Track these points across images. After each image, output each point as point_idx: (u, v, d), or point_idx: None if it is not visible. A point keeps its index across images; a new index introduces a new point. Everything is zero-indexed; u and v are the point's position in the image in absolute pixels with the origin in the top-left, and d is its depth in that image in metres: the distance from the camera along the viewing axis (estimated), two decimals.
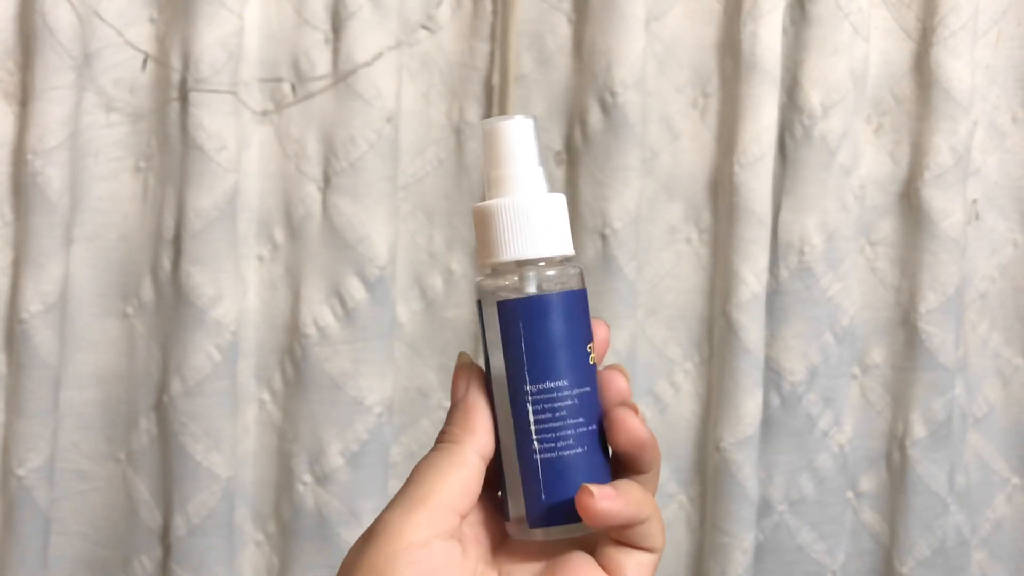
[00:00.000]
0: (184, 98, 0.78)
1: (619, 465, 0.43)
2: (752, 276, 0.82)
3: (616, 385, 0.43)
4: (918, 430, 0.85)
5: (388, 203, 0.80)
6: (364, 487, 0.79)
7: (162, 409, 0.79)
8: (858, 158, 0.85)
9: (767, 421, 0.84)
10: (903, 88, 0.86)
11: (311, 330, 0.80)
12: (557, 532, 0.41)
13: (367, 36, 0.79)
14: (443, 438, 0.42)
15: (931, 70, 0.84)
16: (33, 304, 0.77)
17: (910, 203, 0.86)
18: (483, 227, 0.42)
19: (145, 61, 0.80)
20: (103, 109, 0.80)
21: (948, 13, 0.83)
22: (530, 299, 0.41)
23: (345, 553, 0.40)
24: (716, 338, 0.84)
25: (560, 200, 0.42)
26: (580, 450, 0.41)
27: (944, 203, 0.84)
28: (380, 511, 0.41)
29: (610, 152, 0.80)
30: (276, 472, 0.82)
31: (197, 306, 0.77)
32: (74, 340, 0.80)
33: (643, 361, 0.84)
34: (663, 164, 0.84)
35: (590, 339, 0.42)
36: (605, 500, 0.40)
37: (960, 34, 0.83)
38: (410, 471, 0.41)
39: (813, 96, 0.82)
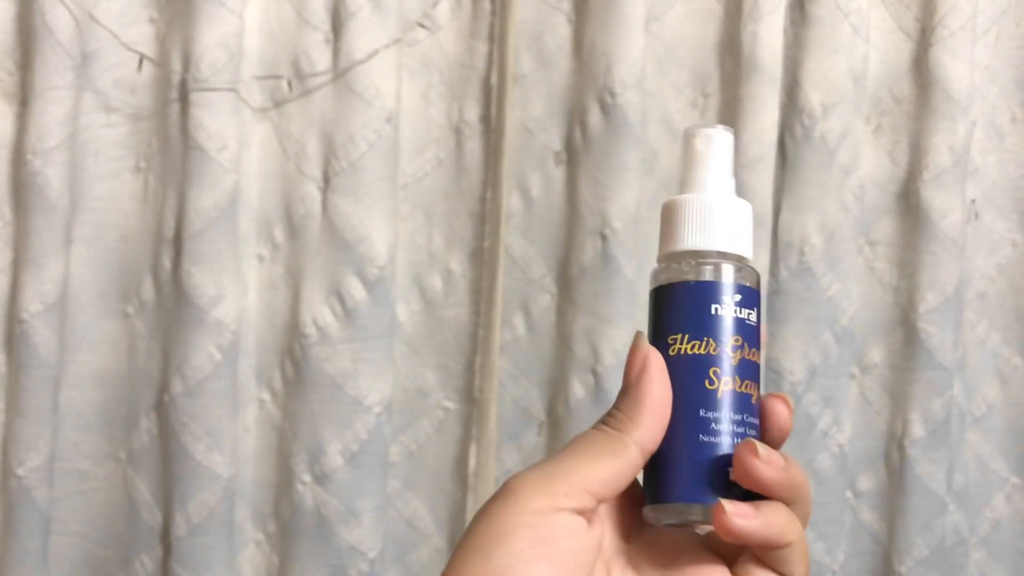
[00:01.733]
0: (184, 98, 0.78)
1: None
2: None
3: (778, 415, 0.42)
4: (917, 430, 0.85)
5: (388, 203, 0.80)
6: (363, 486, 0.79)
7: (162, 409, 0.80)
8: (857, 158, 0.85)
9: None
10: (902, 88, 0.86)
11: (311, 330, 0.80)
12: (699, 511, 0.40)
13: (367, 36, 0.79)
14: (608, 422, 0.40)
15: (930, 70, 0.84)
16: (33, 304, 0.77)
17: (909, 203, 0.86)
18: (674, 219, 0.44)
19: (141, 62, 0.80)
20: (103, 109, 0.80)
21: (947, 13, 0.83)
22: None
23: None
24: None
25: (746, 207, 0.44)
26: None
27: (943, 203, 0.84)
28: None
29: (610, 152, 0.80)
30: (276, 472, 0.82)
31: (197, 306, 0.77)
32: (74, 340, 0.80)
33: None
34: (663, 164, 0.84)
35: (759, 342, 0.43)
36: (739, 518, 0.39)
37: (959, 34, 0.83)
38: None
39: (813, 96, 0.82)
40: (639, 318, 0.84)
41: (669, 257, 0.43)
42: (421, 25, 0.82)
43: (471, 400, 0.83)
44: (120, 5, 0.79)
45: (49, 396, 0.78)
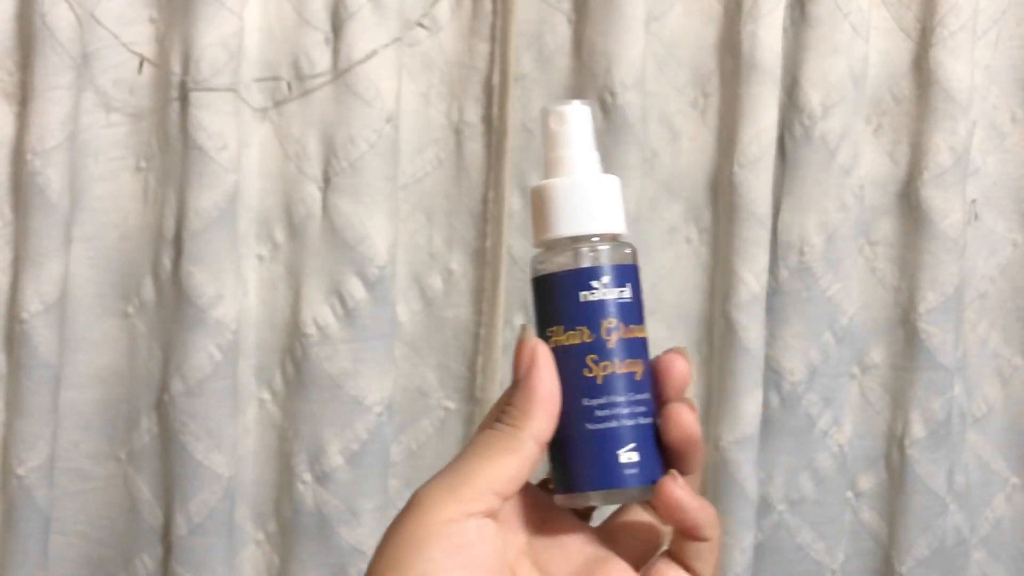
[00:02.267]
0: (184, 98, 0.78)
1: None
2: (752, 276, 0.82)
3: (677, 369, 0.43)
4: (917, 430, 0.85)
5: (388, 203, 0.80)
6: (364, 486, 0.79)
7: (163, 408, 0.80)
8: (858, 158, 0.85)
9: (767, 421, 0.84)
10: (902, 88, 0.86)
11: (311, 330, 0.80)
12: (598, 497, 0.42)
13: (367, 36, 0.79)
14: (502, 418, 0.41)
15: (930, 70, 0.84)
16: (33, 304, 0.77)
17: (909, 203, 0.86)
18: (541, 206, 0.43)
19: (141, 64, 0.80)
20: (103, 109, 0.80)
21: (947, 13, 0.83)
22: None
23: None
24: (716, 338, 0.84)
25: (615, 181, 0.44)
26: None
27: (943, 203, 0.84)
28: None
29: (610, 152, 0.80)
30: (276, 471, 0.82)
31: (197, 306, 0.77)
32: (74, 340, 0.80)
33: None
34: (663, 164, 0.84)
35: (644, 315, 0.43)
36: (682, 491, 0.40)
37: (959, 34, 0.83)
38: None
39: (813, 96, 0.82)
40: None
41: (539, 246, 0.43)
42: (421, 25, 0.82)
43: (472, 400, 0.83)
44: (120, 5, 0.79)
45: (49, 396, 0.78)
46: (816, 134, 0.82)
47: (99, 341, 0.81)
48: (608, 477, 0.41)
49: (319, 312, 0.80)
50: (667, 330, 0.85)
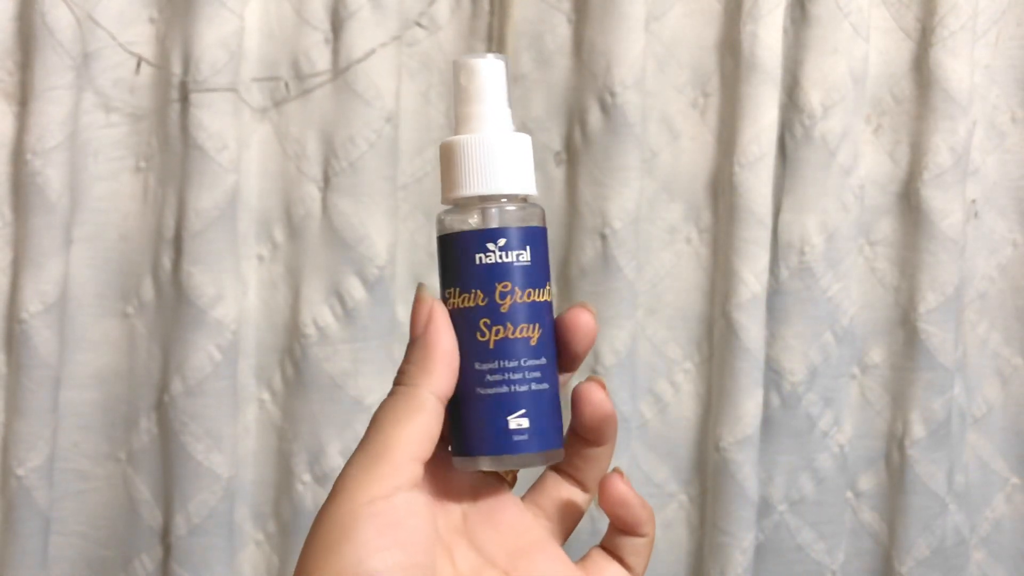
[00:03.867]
0: (184, 98, 0.78)
1: (579, 437, 0.43)
2: (752, 276, 0.82)
3: (582, 323, 0.42)
4: (917, 430, 0.85)
5: (388, 203, 0.80)
6: None
7: (162, 409, 0.80)
8: (858, 158, 0.85)
9: (767, 421, 0.84)
10: (903, 88, 0.86)
11: (311, 330, 0.80)
12: (488, 462, 0.41)
13: (367, 36, 0.79)
14: (400, 379, 0.41)
15: (930, 70, 0.84)
16: (33, 304, 0.77)
17: (909, 203, 0.86)
18: (448, 162, 0.42)
19: (139, 64, 0.80)
20: (102, 109, 0.80)
21: (947, 13, 0.83)
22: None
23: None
24: (716, 338, 0.84)
25: (525, 140, 0.42)
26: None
27: (943, 203, 0.84)
28: None
29: (610, 152, 0.80)
30: (276, 472, 0.82)
31: (197, 306, 0.77)
32: (74, 340, 0.80)
33: (643, 361, 0.84)
34: (663, 164, 0.84)
35: (549, 278, 0.42)
36: (627, 487, 0.41)
37: (959, 34, 0.83)
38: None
39: (813, 96, 0.82)
40: (639, 318, 0.84)
41: (445, 203, 0.43)
42: (420, 25, 0.82)
43: None
44: (120, 5, 0.79)
45: (49, 396, 0.78)
46: (816, 134, 0.82)
47: (99, 341, 0.81)
48: (497, 442, 0.41)
49: (319, 312, 0.80)
50: (667, 330, 0.85)
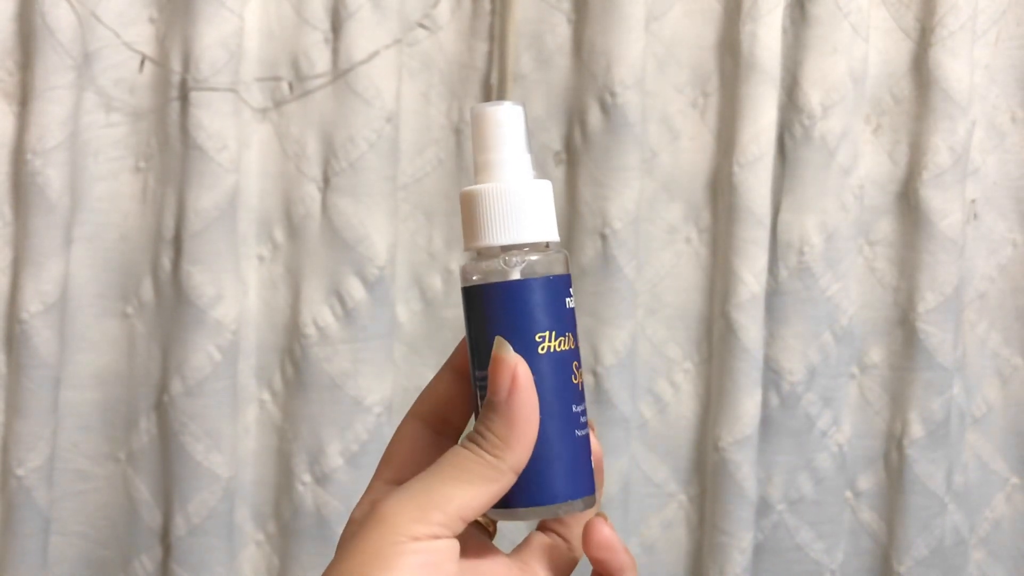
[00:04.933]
0: (184, 98, 0.78)
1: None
2: (751, 276, 0.82)
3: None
4: (916, 430, 0.85)
5: (388, 203, 0.80)
6: (364, 487, 0.79)
7: (162, 409, 0.80)
8: (857, 158, 0.85)
9: (766, 421, 0.84)
10: (902, 88, 0.86)
11: (311, 330, 0.80)
12: (580, 504, 0.41)
13: (367, 36, 0.79)
14: (482, 444, 0.39)
15: (930, 70, 0.84)
16: (33, 304, 0.77)
17: (908, 203, 0.86)
18: (469, 212, 0.42)
19: (143, 63, 0.80)
20: (103, 109, 0.80)
21: (947, 13, 0.83)
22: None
23: None
24: (715, 338, 0.84)
25: (546, 186, 0.42)
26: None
27: (942, 203, 0.84)
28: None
29: (610, 152, 0.80)
30: (276, 472, 0.82)
31: (197, 306, 0.77)
32: (74, 340, 0.80)
33: (643, 361, 0.85)
34: (663, 164, 0.84)
35: (575, 325, 0.42)
36: (612, 532, 0.41)
37: (959, 34, 0.83)
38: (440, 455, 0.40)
39: (812, 96, 0.82)
40: (639, 318, 0.84)
41: (478, 253, 0.42)
42: (421, 25, 0.82)
43: None
44: (120, 5, 0.79)
45: (49, 396, 0.78)
46: (816, 134, 0.82)
47: (99, 341, 0.81)
48: (588, 483, 0.41)
49: (319, 312, 0.80)
50: (667, 330, 0.85)
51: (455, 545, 0.38)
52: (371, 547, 0.37)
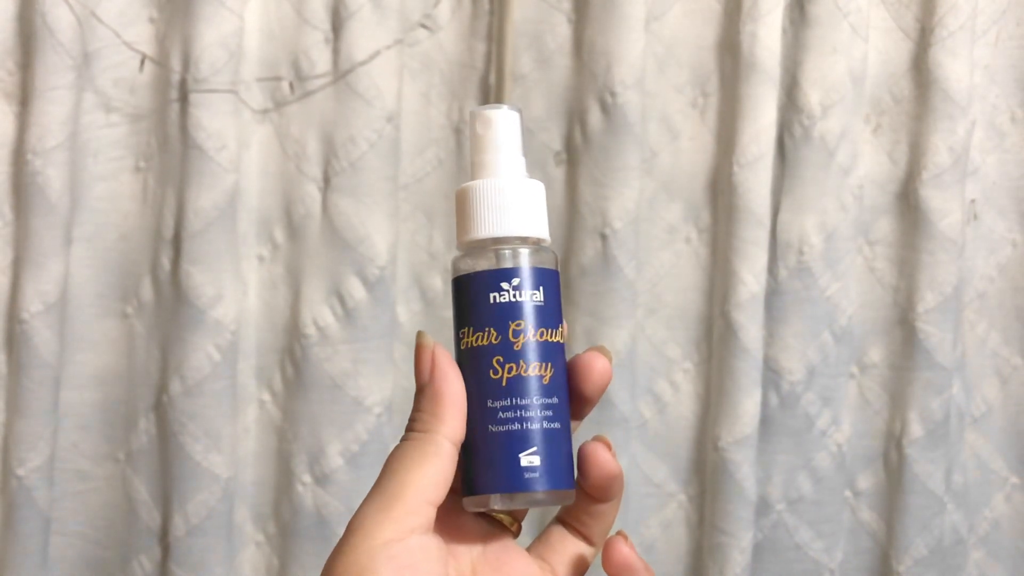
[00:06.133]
0: (184, 98, 0.78)
1: (585, 494, 0.44)
2: (751, 276, 0.82)
3: (597, 368, 0.43)
4: (915, 429, 0.85)
5: (388, 203, 0.80)
6: (364, 487, 0.78)
7: (161, 409, 0.80)
8: (857, 158, 0.85)
9: (765, 420, 0.84)
10: (902, 88, 0.86)
11: (311, 330, 0.80)
12: (498, 500, 0.42)
13: (367, 36, 0.79)
14: (413, 427, 0.41)
15: (929, 70, 0.84)
16: (33, 304, 0.77)
17: (908, 203, 0.86)
18: (463, 207, 0.43)
19: (143, 62, 0.80)
20: (103, 109, 0.80)
21: (947, 13, 0.83)
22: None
23: None
24: (715, 338, 0.84)
25: (538, 187, 0.43)
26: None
27: (942, 203, 0.84)
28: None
29: (610, 152, 0.80)
30: (276, 472, 0.82)
31: (197, 306, 0.77)
32: (74, 340, 0.80)
33: (643, 360, 0.85)
34: (663, 164, 0.84)
35: (562, 320, 0.43)
36: (632, 551, 0.42)
37: (959, 34, 0.83)
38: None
39: (812, 96, 0.82)
40: (639, 318, 0.84)
41: (461, 247, 0.44)
42: (422, 25, 0.82)
43: None
44: (120, 5, 0.79)
45: (49, 396, 0.78)
46: (815, 134, 0.82)
47: (98, 341, 0.81)
48: (509, 480, 0.41)
49: (319, 312, 0.80)
50: (667, 330, 0.85)
51: (430, 541, 0.40)
52: (347, 559, 0.39)
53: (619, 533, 0.42)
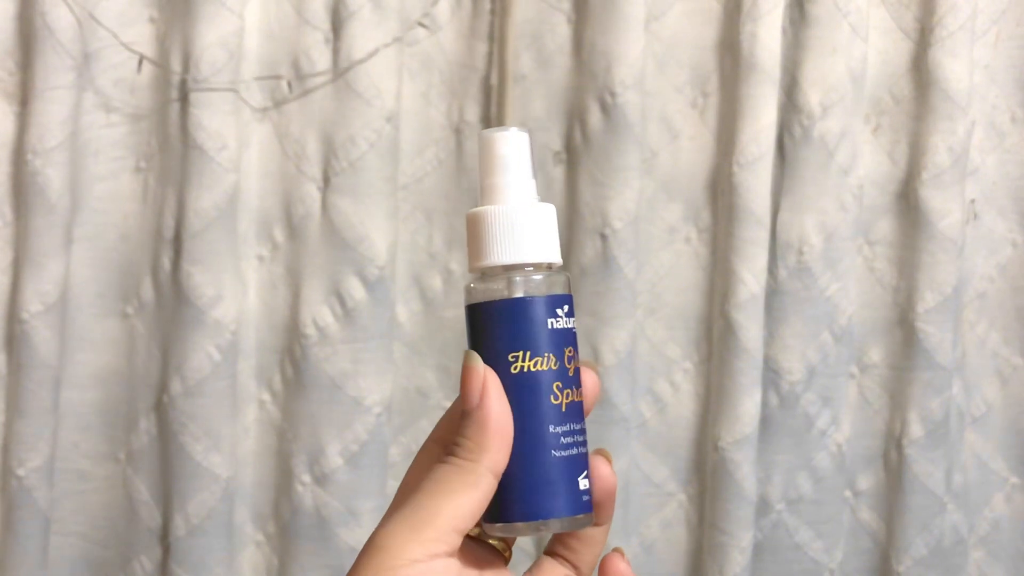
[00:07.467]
0: (184, 98, 0.78)
1: None
2: (751, 276, 0.82)
3: (590, 383, 0.43)
4: (915, 429, 0.85)
5: (388, 203, 0.80)
6: (363, 487, 0.80)
7: (162, 409, 0.80)
8: (856, 158, 0.85)
9: (765, 420, 0.84)
10: (901, 88, 0.86)
11: (311, 330, 0.80)
12: (557, 524, 0.42)
13: (367, 36, 0.79)
14: (456, 452, 0.40)
15: (929, 70, 0.84)
16: (33, 304, 0.77)
17: (908, 203, 0.86)
18: (474, 232, 0.43)
19: (140, 63, 0.80)
20: (103, 109, 0.80)
21: (946, 13, 0.83)
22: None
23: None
24: (715, 338, 0.84)
25: (550, 210, 0.43)
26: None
27: (942, 203, 0.84)
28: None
29: (610, 152, 0.80)
30: (276, 472, 0.82)
31: (197, 306, 0.77)
32: (74, 340, 0.80)
33: (643, 360, 0.85)
34: (663, 164, 0.84)
35: (574, 344, 0.43)
36: (627, 566, 0.42)
37: (958, 34, 0.83)
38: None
39: (812, 96, 0.82)
40: (639, 318, 0.84)
41: (482, 273, 0.43)
42: (422, 25, 0.82)
43: None
44: (120, 5, 0.79)
45: (49, 396, 0.78)
46: (815, 134, 0.82)
47: (99, 341, 0.81)
48: (574, 504, 0.41)
49: (319, 312, 0.80)
50: (667, 330, 0.85)
51: (452, 565, 0.39)
52: (371, 571, 0.38)
53: (615, 549, 0.43)
